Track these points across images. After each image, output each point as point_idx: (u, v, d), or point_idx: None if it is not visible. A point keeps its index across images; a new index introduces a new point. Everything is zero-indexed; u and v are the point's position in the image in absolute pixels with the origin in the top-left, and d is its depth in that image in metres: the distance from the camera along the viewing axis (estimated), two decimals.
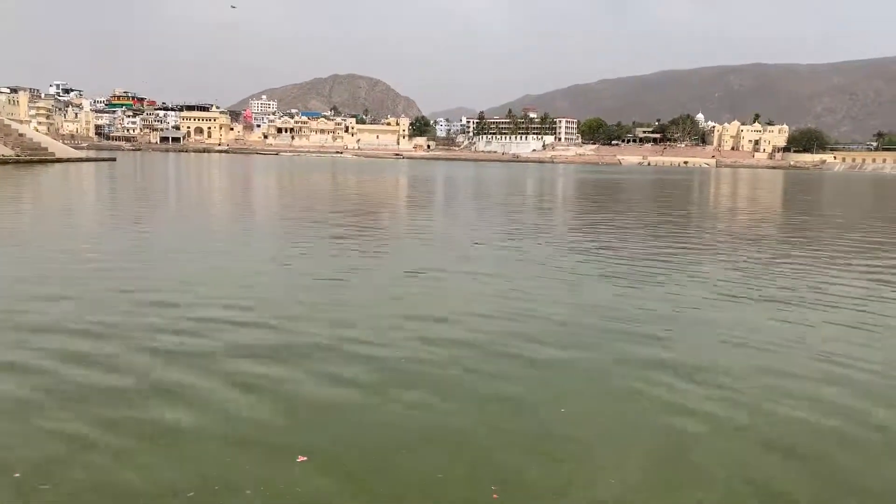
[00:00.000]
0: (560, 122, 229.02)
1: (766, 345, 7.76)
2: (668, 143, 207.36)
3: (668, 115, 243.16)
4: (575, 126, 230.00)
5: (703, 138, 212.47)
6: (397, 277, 11.36)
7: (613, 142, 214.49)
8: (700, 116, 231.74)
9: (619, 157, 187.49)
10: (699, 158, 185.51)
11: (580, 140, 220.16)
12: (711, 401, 6.04)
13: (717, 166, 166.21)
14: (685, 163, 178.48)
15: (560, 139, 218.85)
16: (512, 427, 5.39)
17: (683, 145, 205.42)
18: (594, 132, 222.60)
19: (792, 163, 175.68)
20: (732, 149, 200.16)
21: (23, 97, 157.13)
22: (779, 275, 12.48)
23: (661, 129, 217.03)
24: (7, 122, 68.23)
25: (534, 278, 11.51)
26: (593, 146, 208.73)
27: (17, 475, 4.39)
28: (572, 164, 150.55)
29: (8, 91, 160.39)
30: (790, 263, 14.02)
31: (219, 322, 7.98)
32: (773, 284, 11.44)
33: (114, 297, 9.14)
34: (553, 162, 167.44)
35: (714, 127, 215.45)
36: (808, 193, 48.88)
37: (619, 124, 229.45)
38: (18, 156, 54.89)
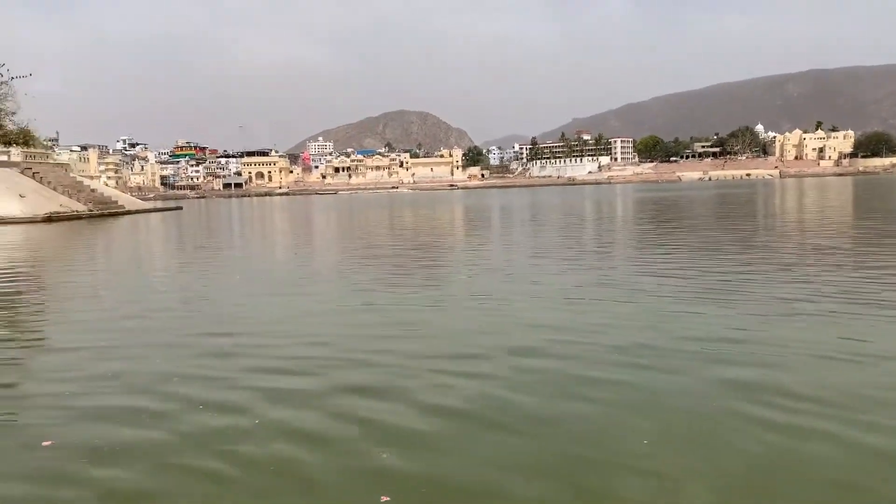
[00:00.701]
0: (615, 142, 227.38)
1: (863, 359, 7.29)
2: (728, 156, 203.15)
3: (725, 128, 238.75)
4: (630, 145, 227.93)
5: (764, 149, 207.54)
6: (472, 306, 11.22)
7: (671, 158, 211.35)
8: (759, 127, 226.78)
9: (678, 173, 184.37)
10: (762, 170, 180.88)
11: (637, 159, 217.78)
12: (824, 419, 5.68)
13: (780, 177, 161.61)
14: (747, 175, 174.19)
15: (616, 159, 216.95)
16: (603, 451, 5.17)
17: (744, 158, 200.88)
18: (651, 150, 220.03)
19: (861, 168, 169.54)
20: (796, 158, 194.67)
21: (92, 154, 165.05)
22: (859, 288, 11.84)
23: (720, 143, 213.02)
24: (79, 178, 71.45)
25: (607, 301, 11.21)
26: (651, 164, 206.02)
27: None
28: (630, 184, 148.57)
29: (79, 150, 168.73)
30: (872, 275, 13.32)
31: (312, 359, 8.03)
32: (855, 298, 10.83)
33: (205, 340, 9.27)
34: (610, 183, 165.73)
35: (775, 137, 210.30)
36: (883, 199, 46.89)
37: (676, 140, 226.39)
38: (91, 210, 57.26)
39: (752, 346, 8.06)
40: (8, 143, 75.03)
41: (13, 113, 75.61)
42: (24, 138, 77.23)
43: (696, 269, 14.90)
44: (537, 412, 6.17)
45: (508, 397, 6.55)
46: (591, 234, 26.90)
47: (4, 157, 66.27)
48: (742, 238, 22.40)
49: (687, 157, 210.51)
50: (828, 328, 8.86)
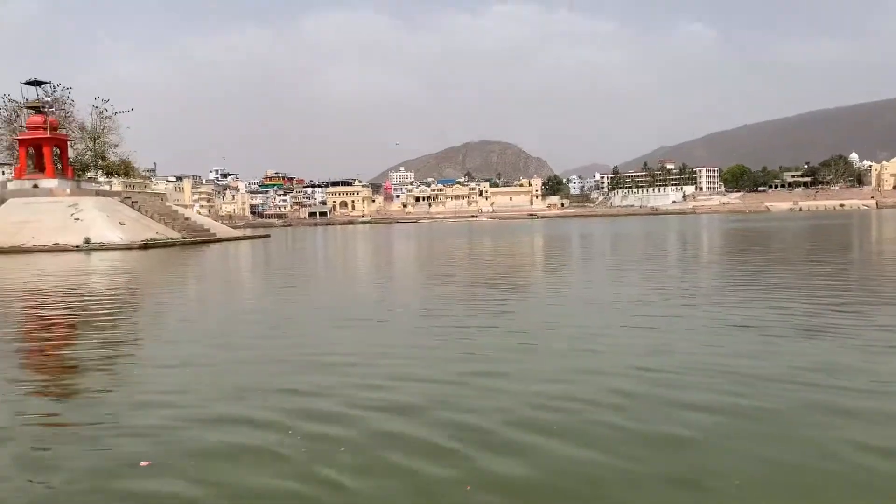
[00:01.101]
0: (700, 171, 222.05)
1: None
2: (819, 186, 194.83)
3: (816, 157, 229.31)
4: (716, 174, 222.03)
5: (858, 179, 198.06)
6: (571, 337, 11.09)
7: (759, 188, 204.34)
8: (854, 156, 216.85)
9: (766, 203, 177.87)
10: (856, 200, 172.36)
11: (723, 189, 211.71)
12: None
13: (877, 207, 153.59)
14: (841, 206, 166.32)
15: (701, 189, 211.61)
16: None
17: (837, 187, 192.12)
18: (738, 180, 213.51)
19: None
20: (894, 188, 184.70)
21: (187, 184, 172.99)
22: None
23: (812, 172, 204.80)
24: (174, 207, 74.99)
25: (708, 332, 10.87)
26: (738, 194, 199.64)
27: None
28: (716, 214, 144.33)
29: (175, 179, 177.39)
30: None
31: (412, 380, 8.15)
32: None
33: (294, 365, 9.50)
34: (695, 213, 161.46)
35: (871, 166, 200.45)
36: None
37: (764, 169, 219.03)
38: (185, 238, 59.91)
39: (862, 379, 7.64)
40: (110, 174, 79.82)
41: (116, 145, 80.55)
42: (125, 169, 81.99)
43: (795, 301, 14.27)
44: (636, 439, 6.02)
45: (605, 418, 6.41)
46: (681, 265, 26.22)
47: (107, 187, 70.43)
48: (840, 271, 21.35)
49: (776, 187, 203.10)
50: None
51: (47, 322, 15.32)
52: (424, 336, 12.11)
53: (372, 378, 8.75)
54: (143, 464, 6.03)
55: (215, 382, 8.84)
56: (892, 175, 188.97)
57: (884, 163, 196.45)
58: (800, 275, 20.87)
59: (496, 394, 7.85)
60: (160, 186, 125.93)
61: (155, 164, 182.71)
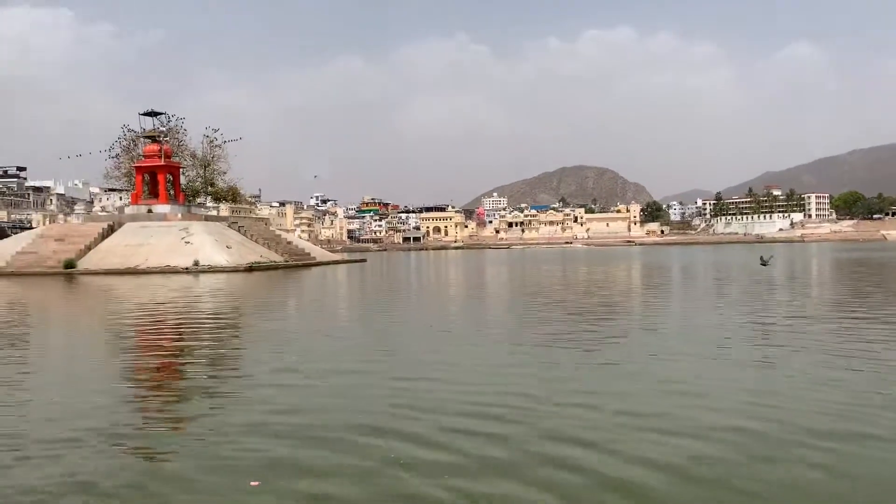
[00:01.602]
0: (809, 197, 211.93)
1: None
2: None
3: None
4: (826, 201, 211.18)
5: None
6: (681, 368, 10.73)
7: (874, 216, 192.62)
8: None
9: (882, 232, 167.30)
10: None
11: (834, 216, 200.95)
12: None
13: None
14: None
15: (810, 216, 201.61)
16: None
17: None
18: (850, 206, 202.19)
19: None
20: None
21: (289, 210, 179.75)
22: None
23: None
24: (278, 232, 77.79)
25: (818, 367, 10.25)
26: (851, 222, 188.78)
27: None
28: (827, 242, 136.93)
29: (278, 205, 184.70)
30: None
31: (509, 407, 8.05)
32: None
33: (392, 386, 9.61)
34: (804, 241, 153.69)
35: None
36: None
37: (879, 196, 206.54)
38: (287, 261, 61.97)
39: None
40: (218, 199, 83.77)
41: (224, 172, 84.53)
42: (232, 195, 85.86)
43: None
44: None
45: (713, 453, 6.10)
46: (801, 298, 24.95)
47: (214, 212, 73.91)
48: None
49: (893, 215, 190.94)
50: None
51: (161, 340, 16.09)
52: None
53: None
54: (253, 483, 6.17)
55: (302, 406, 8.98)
56: None
57: None
58: None
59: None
60: (264, 212, 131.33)
61: (260, 190, 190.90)
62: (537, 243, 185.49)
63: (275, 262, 60.01)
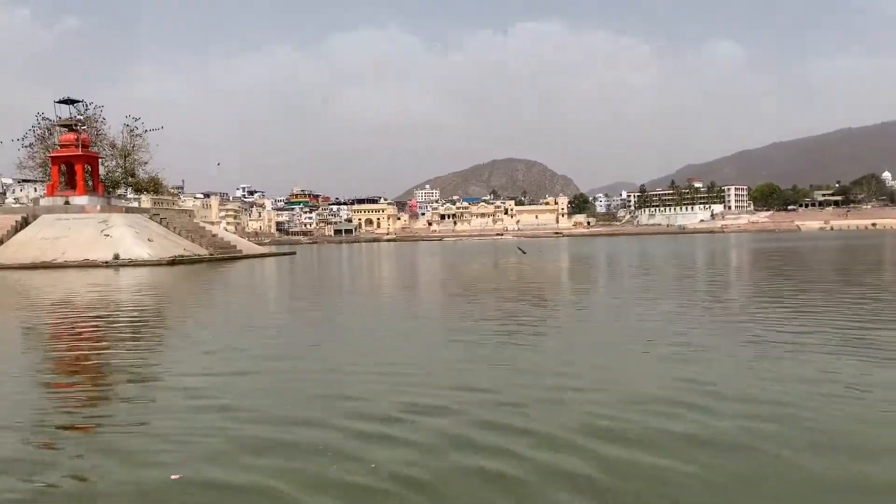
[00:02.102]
0: (728, 189, 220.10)
1: None
2: (851, 205, 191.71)
3: (848, 176, 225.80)
4: (745, 193, 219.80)
5: (892, 198, 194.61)
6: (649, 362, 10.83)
7: (789, 207, 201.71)
8: (887, 174, 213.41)
9: (797, 222, 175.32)
10: (890, 220, 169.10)
11: (752, 207, 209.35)
12: None
13: None
14: (873, 225, 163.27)
15: (730, 207, 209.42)
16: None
17: (869, 207, 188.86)
18: (767, 198, 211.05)
19: None
20: None
21: (214, 202, 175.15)
22: None
23: (843, 192, 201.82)
24: (202, 224, 75.69)
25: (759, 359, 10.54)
26: (767, 213, 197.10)
27: None
28: (745, 233, 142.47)
29: (202, 196, 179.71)
30: None
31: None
32: None
33: (311, 380, 9.37)
34: (724, 231, 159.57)
35: None
36: None
37: (794, 188, 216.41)
38: (212, 254, 60.36)
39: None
40: (139, 191, 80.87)
41: (145, 162, 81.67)
42: (154, 186, 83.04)
43: (830, 317, 13.85)
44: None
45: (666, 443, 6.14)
46: (723, 287, 25.74)
47: (136, 204, 71.30)
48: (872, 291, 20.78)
49: (806, 206, 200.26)
50: None
51: (80, 334, 15.35)
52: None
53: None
54: (173, 477, 5.90)
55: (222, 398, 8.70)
56: None
57: None
58: (831, 294, 20.33)
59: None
60: (188, 203, 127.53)
61: (183, 181, 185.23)
62: (469, 235, 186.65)
63: (199, 255, 58.40)
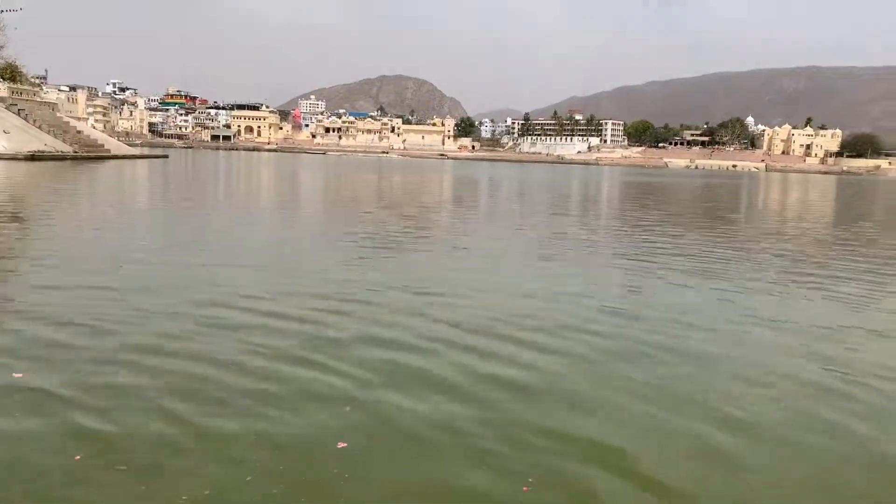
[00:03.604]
0: (606, 123, 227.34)
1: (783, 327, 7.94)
2: (716, 146, 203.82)
3: (717, 118, 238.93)
4: (621, 128, 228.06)
5: (752, 142, 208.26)
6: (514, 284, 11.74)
7: (660, 144, 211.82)
8: (750, 120, 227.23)
9: (665, 159, 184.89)
10: (748, 162, 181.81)
11: (626, 142, 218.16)
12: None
13: (766, 170, 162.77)
14: (734, 166, 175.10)
15: (606, 141, 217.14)
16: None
17: (732, 149, 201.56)
18: (640, 135, 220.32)
19: (844, 168, 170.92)
20: (783, 153, 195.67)
21: (81, 95, 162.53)
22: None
23: (710, 133, 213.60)
24: (66, 119, 70.70)
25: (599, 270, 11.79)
26: (639, 149, 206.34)
27: None
28: (618, 167, 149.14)
29: (67, 90, 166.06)
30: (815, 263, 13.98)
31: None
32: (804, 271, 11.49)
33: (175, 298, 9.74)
34: (598, 164, 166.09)
35: (764, 131, 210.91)
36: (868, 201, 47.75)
37: (666, 127, 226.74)
38: (76, 152, 56.92)
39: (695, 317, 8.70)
40: None
41: (1, 47, 74.64)
42: (11, 73, 76.16)
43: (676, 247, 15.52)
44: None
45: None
46: (590, 218, 27.42)
47: None
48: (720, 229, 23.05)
49: (676, 144, 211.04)
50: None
51: None
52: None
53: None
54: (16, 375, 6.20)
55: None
56: (781, 140, 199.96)
57: (776, 128, 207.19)
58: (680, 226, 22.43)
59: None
60: (51, 96, 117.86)
61: (46, 70, 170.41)
62: (354, 151, 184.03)
63: (62, 152, 54.99)
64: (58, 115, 69.84)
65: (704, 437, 5.39)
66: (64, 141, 58.35)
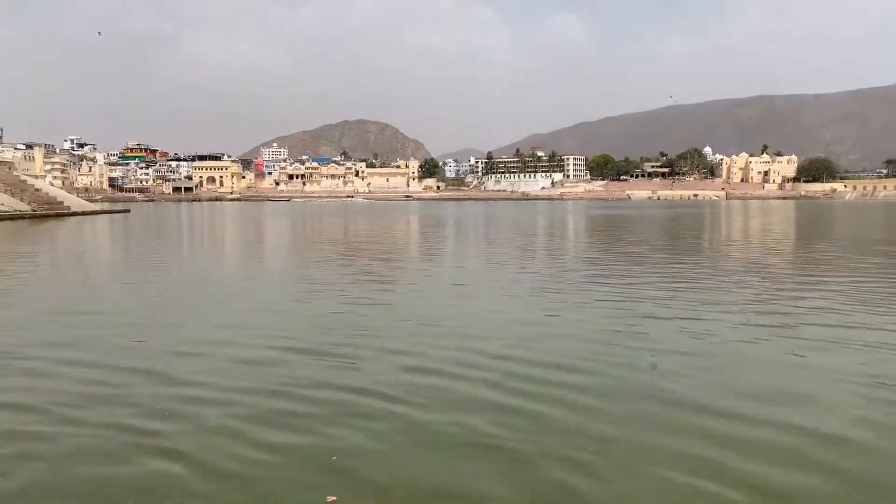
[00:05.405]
0: (568, 159, 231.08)
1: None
2: (676, 176, 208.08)
3: (675, 150, 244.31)
4: (583, 163, 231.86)
5: (711, 171, 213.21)
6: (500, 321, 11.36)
7: (622, 177, 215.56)
8: (707, 149, 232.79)
9: (628, 192, 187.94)
10: (709, 191, 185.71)
11: (588, 176, 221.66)
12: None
13: (727, 198, 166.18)
14: (695, 196, 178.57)
15: (568, 176, 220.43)
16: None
17: (692, 178, 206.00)
18: (602, 168, 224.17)
19: (802, 193, 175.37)
20: (742, 181, 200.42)
21: (38, 153, 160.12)
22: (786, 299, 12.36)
23: (670, 164, 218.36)
24: (23, 177, 69.36)
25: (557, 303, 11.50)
26: (602, 182, 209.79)
27: None
28: (582, 201, 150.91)
29: (24, 147, 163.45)
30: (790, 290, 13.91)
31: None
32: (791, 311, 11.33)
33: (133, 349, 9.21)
34: (562, 199, 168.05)
35: (722, 160, 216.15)
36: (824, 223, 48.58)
37: (626, 159, 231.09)
38: (35, 210, 55.72)
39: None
40: None
41: None
42: None
43: (636, 281, 15.33)
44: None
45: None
46: (555, 251, 27.33)
47: None
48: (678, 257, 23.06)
49: (637, 177, 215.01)
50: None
51: None
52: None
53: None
54: None
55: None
56: (740, 168, 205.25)
57: (734, 157, 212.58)
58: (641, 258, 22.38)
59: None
60: (7, 154, 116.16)
61: (1, 129, 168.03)
62: (319, 197, 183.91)
63: (20, 211, 53.80)
64: (14, 173, 68.49)
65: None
66: (21, 199, 57.14)
